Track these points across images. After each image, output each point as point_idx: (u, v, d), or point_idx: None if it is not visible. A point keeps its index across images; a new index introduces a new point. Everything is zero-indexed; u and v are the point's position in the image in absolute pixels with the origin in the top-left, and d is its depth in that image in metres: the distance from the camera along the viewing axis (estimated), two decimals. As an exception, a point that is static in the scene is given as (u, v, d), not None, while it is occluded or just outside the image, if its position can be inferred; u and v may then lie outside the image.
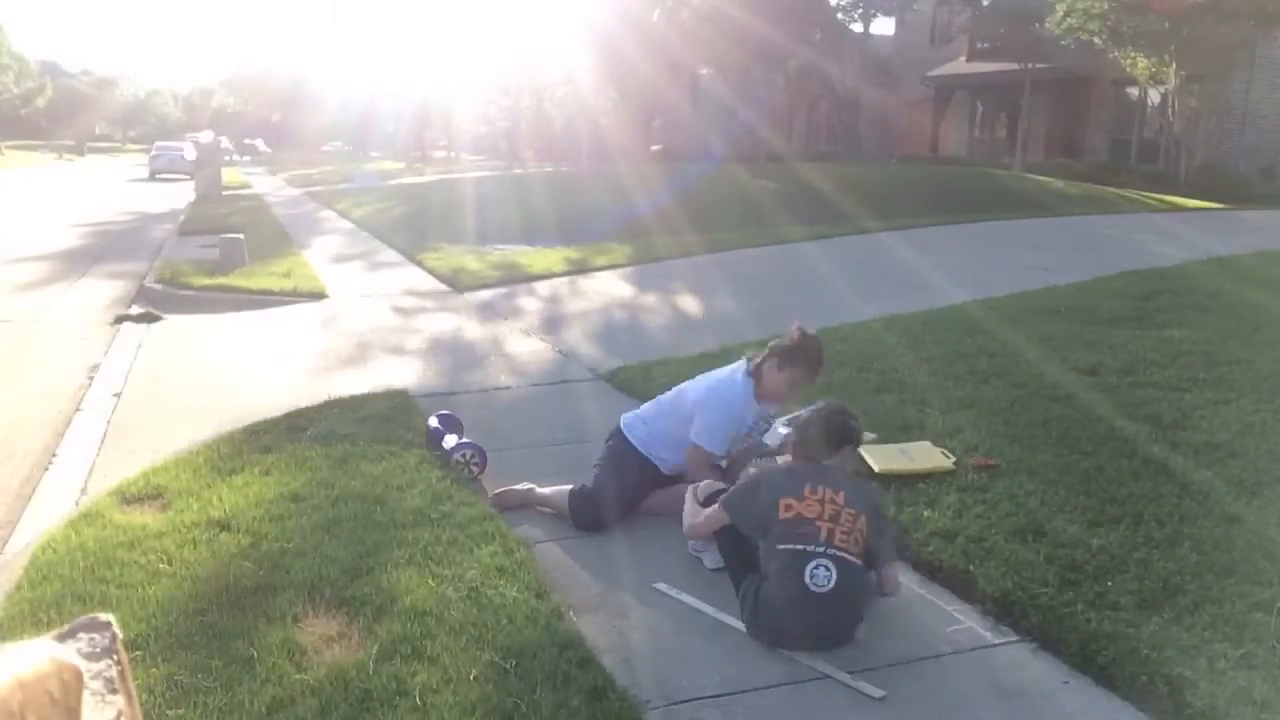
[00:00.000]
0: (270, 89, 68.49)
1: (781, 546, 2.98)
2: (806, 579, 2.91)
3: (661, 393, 4.37)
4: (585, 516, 3.75)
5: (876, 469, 4.07)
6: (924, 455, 4.16)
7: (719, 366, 6.02)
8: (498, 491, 4.04)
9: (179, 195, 25.15)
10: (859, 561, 2.99)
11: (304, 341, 7.63)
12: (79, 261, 12.47)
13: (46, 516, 3.94)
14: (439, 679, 2.63)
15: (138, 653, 2.73)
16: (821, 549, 2.95)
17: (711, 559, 3.38)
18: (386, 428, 4.90)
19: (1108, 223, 14.20)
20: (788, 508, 3.03)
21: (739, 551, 3.15)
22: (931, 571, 3.37)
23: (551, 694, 2.58)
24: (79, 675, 1.00)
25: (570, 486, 3.90)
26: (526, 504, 3.98)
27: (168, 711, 2.49)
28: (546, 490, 3.97)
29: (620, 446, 4.01)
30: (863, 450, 4.21)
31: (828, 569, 2.93)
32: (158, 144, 43.27)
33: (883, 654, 2.89)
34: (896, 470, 4.05)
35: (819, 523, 2.98)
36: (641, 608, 3.18)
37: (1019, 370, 5.53)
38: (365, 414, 5.14)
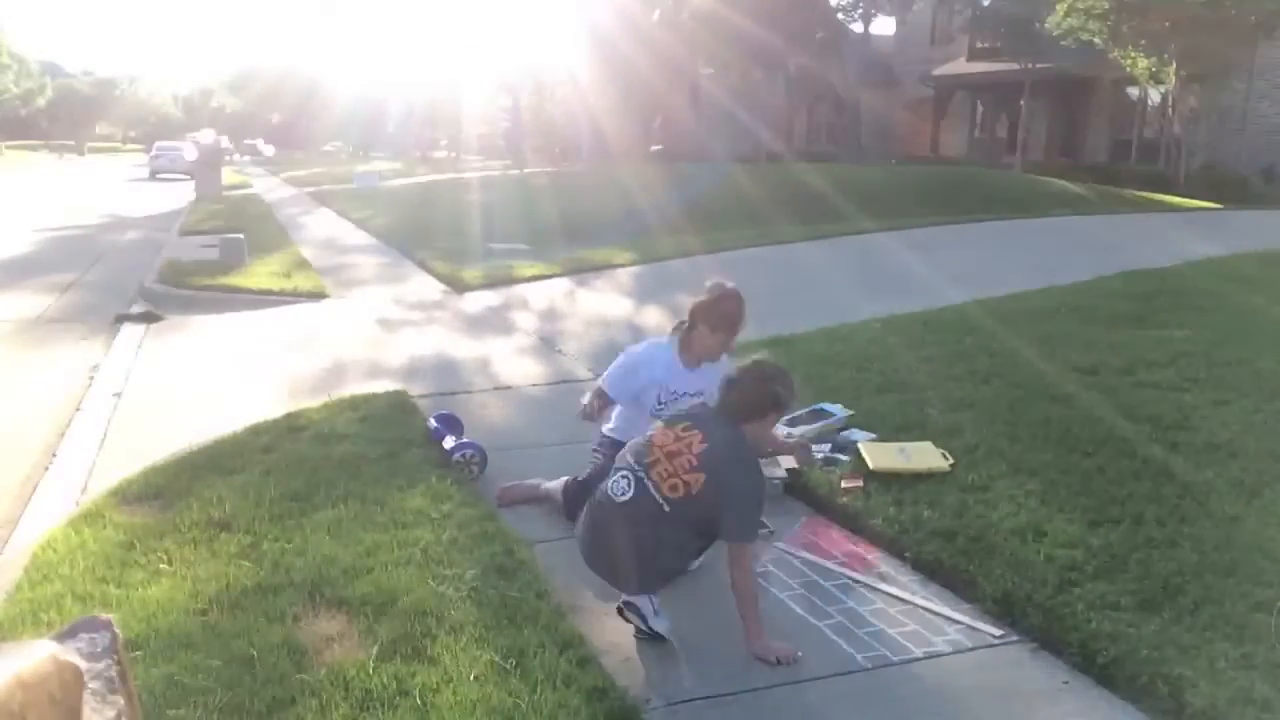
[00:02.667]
0: (270, 89, 68.49)
1: (615, 465, 3.10)
2: (608, 485, 3.00)
3: None
4: (574, 508, 3.72)
5: (871, 466, 4.09)
6: (921, 456, 4.17)
7: (719, 366, 6.04)
8: (505, 486, 4.06)
9: (172, 197, 25.13)
10: (666, 507, 2.88)
11: (304, 341, 7.63)
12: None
13: (46, 516, 3.94)
14: (439, 679, 2.63)
15: (138, 653, 2.73)
16: (638, 469, 2.95)
17: (661, 624, 2.97)
18: (386, 428, 4.90)
19: (1108, 223, 14.21)
20: (654, 430, 3.08)
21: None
22: (931, 571, 3.37)
23: (551, 694, 2.58)
24: (79, 675, 1.00)
25: (568, 478, 3.92)
26: (533, 498, 4.00)
27: (168, 711, 2.49)
28: (552, 484, 3.99)
29: (603, 437, 4.07)
30: (860, 447, 4.26)
31: (628, 484, 2.95)
32: (158, 144, 43.24)
33: (882, 654, 2.89)
34: (891, 469, 4.06)
35: (656, 450, 2.97)
36: (641, 608, 3.18)
37: (1019, 370, 5.53)
38: (365, 414, 5.14)
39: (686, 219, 15.42)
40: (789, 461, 4.13)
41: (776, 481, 4.21)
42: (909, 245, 11.74)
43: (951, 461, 4.10)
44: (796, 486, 4.18)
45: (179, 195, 25.10)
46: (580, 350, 7.02)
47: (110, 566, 3.31)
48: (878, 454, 4.18)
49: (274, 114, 77.36)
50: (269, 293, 9.52)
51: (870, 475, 4.07)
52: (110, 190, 29.85)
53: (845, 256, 11.17)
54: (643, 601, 2.95)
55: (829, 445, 4.48)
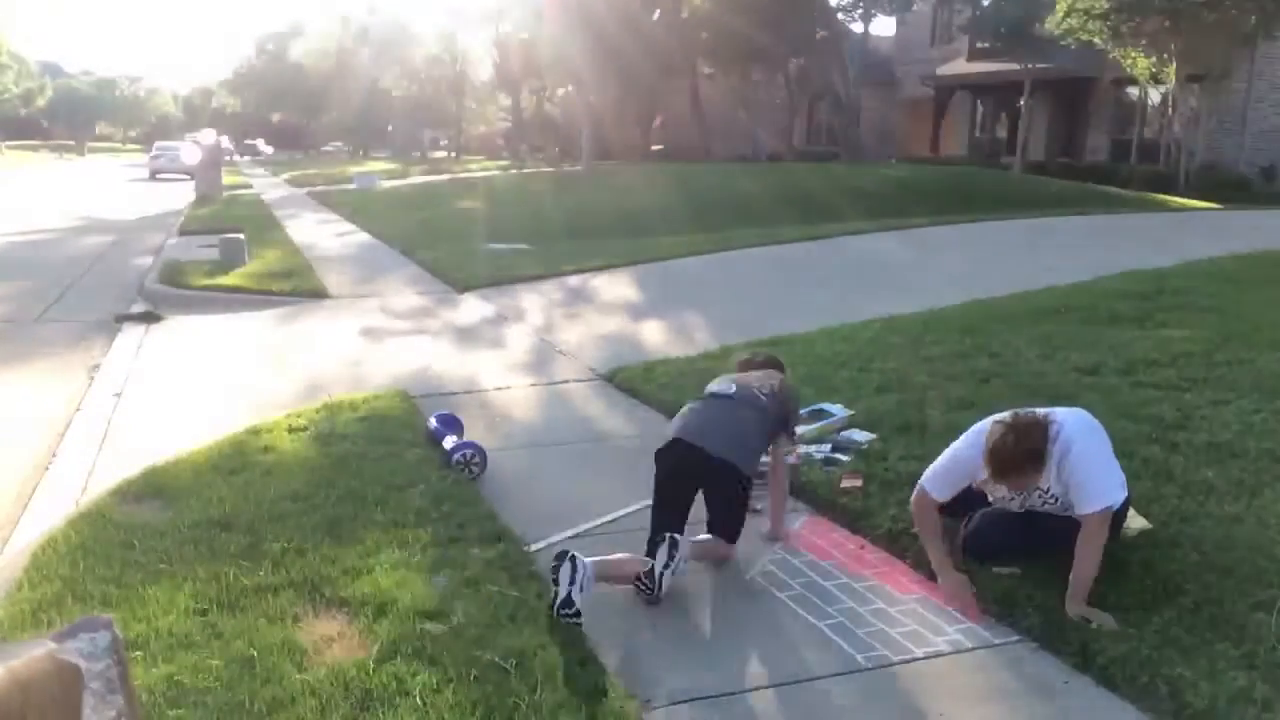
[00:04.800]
0: (270, 90, 68.46)
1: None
2: (711, 388, 3.72)
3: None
4: None
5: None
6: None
7: (720, 367, 6.04)
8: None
9: (170, 198, 25.13)
10: (762, 398, 3.61)
11: (304, 341, 7.63)
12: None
13: (46, 516, 3.94)
14: (439, 679, 2.63)
15: (138, 653, 2.73)
16: (733, 381, 3.72)
17: (668, 579, 3.17)
18: (386, 428, 4.90)
19: (1108, 223, 14.21)
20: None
21: None
22: (932, 571, 3.36)
23: (551, 694, 2.58)
24: (79, 675, 1.01)
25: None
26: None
27: (168, 711, 2.49)
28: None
29: None
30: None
31: (730, 384, 3.68)
32: (158, 144, 43.24)
33: (883, 654, 2.90)
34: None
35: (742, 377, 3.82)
36: (642, 608, 3.18)
37: (1019, 370, 5.53)
38: (365, 414, 5.14)
39: (686, 219, 15.42)
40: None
41: (764, 470, 4.24)
42: (909, 245, 11.75)
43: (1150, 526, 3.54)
44: (796, 486, 4.17)
45: (178, 196, 25.10)
46: (580, 350, 7.02)
47: (110, 566, 3.31)
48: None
49: (274, 114, 77.35)
50: (269, 293, 9.52)
51: (870, 476, 4.07)
52: (109, 191, 29.84)
53: (844, 256, 11.17)
54: (683, 544, 3.23)
55: (829, 445, 4.49)
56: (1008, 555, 3.25)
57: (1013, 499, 3.32)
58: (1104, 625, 2.88)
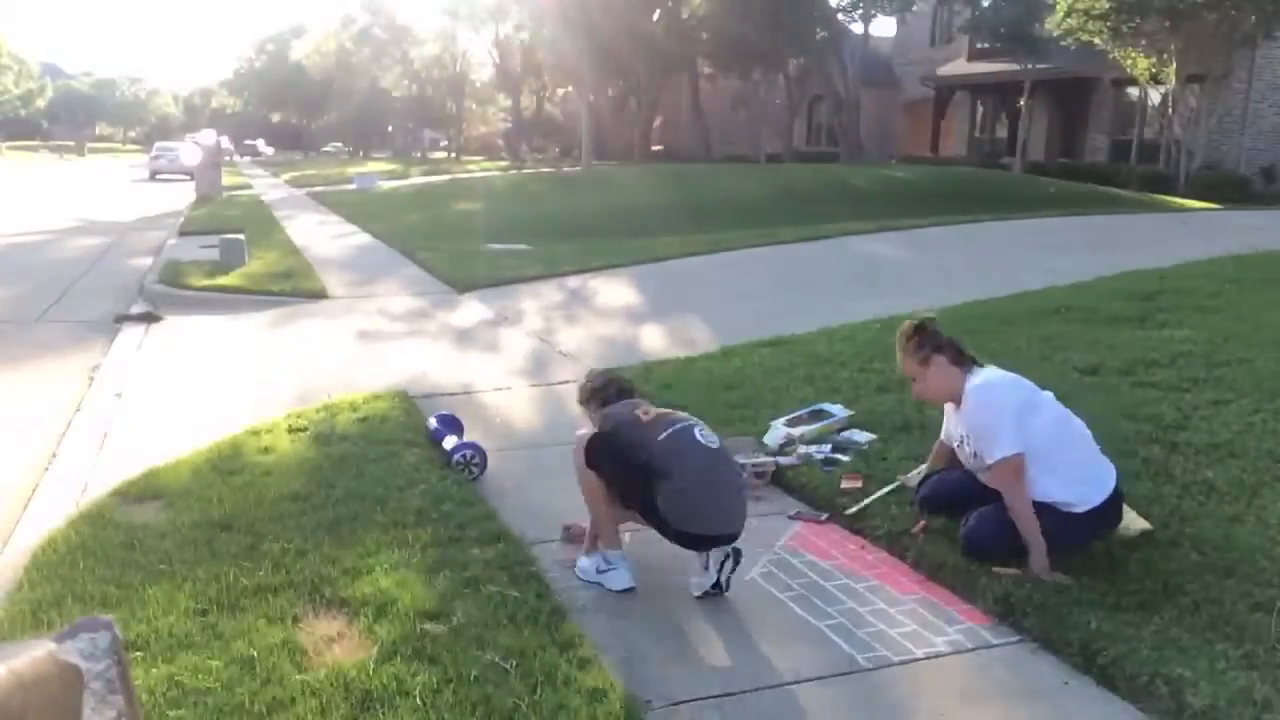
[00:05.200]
0: (270, 90, 68.47)
1: (664, 435, 3.24)
2: (699, 439, 3.26)
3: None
4: None
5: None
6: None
7: (719, 367, 6.05)
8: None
9: (165, 199, 25.13)
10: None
11: (304, 341, 7.64)
12: None
13: (47, 517, 3.94)
14: (439, 679, 2.64)
15: (138, 653, 2.73)
16: (693, 421, 3.35)
17: (619, 578, 3.27)
18: (386, 428, 4.90)
19: (1108, 223, 14.21)
20: (645, 412, 3.38)
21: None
22: (931, 571, 3.37)
23: (551, 694, 2.58)
24: (79, 675, 1.01)
25: None
26: None
27: (168, 712, 2.49)
28: None
29: None
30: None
31: (705, 431, 3.31)
32: (158, 145, 43.27)
33: (883, 654, 2.90)
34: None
35: (679, 412, 3.46)
36: (642, 608, 3.19)
37: (1019, 370, 5.50)
38: (365, 414, 5.14)
39: (686, 219, 15.43)
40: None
41: (764, 470, 4.25)
42: (908, 245, 11.75)
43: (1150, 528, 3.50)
44: (796, 486, 4.18)
45: (178, 197, 25.10)
46: (580, 350, 7.02)
47: (110, 566, 3.31)
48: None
49: (274, 114, 77.37)
50: (269, 293, 9.52)
51: (870, 476, 4.07)
52: (110, 192, 29.83)
53: (844, 257, 11.17)
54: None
55: (829, 445, 4.49)
56: (1005, 554, 3.25)
57: (958, 445, 3.54)
58: (1060, 583, 3.08)
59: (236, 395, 5.90)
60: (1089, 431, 3.45)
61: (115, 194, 28.04)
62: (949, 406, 3.63)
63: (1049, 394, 3.52)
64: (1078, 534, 3.30)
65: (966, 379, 3.45)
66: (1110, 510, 3.34)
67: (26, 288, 10.36)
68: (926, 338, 3.53)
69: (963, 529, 3.38)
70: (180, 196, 24.55)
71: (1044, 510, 3.25)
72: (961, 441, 3.52)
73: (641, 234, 13.71)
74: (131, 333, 7.97)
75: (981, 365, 3.54)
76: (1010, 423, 3.28)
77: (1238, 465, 3.99)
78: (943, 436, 3.75)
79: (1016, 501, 3.22)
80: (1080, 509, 3.28)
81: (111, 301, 9.43)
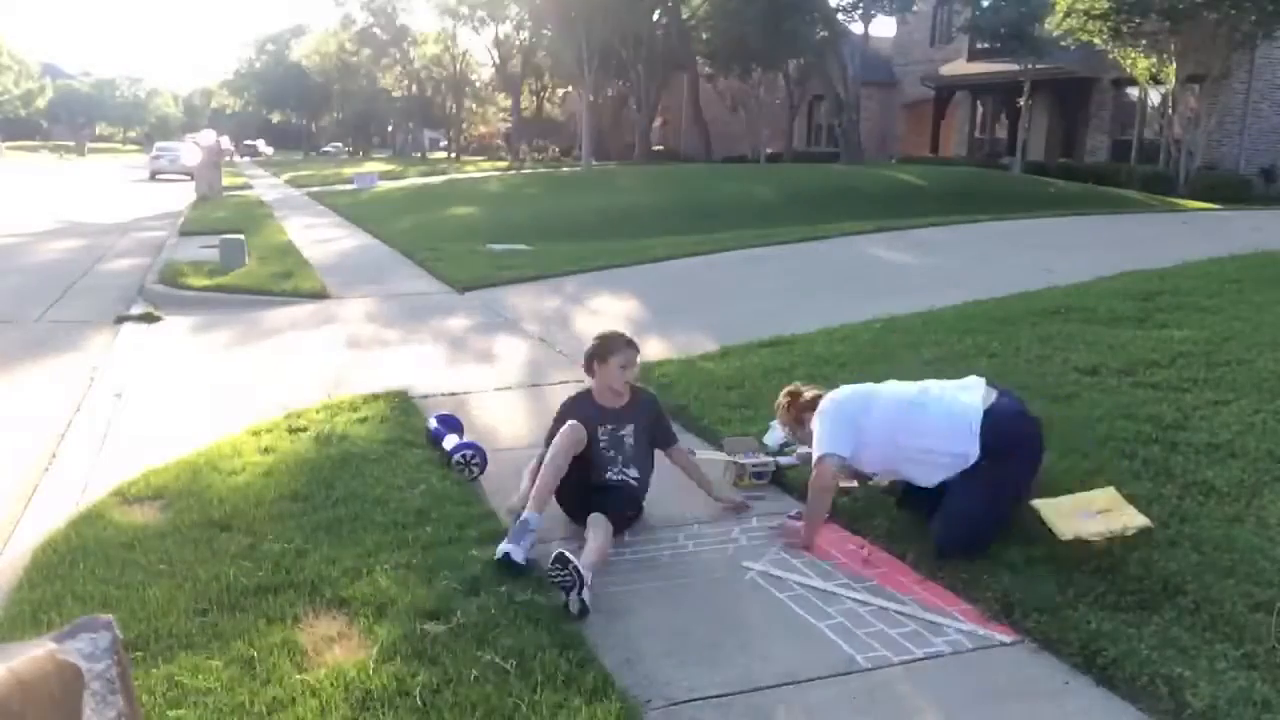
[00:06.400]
0: (270, 90, 68.50)
1: None
2: None
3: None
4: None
5: (1061, 537, 3.27)
6: (1113, 512, 3.38)
7: (719, 367, 6.05)
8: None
9: (165, 199, 25.12)
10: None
11: (304, 341, 7.63)
12: None
13: (46, 516, 3.94)
14: (439, 679, 2.63)
15: (138, 653, 2.73)
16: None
17: (519, 553, 3.31)
18: (386, 428, 4.90)
19: (1108, 223, 14.20)
20: None
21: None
22: (932, 571, 3.37)
23: (551, 694, 2.58)
24: (79, 675, 1.01)
25: None
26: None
27: (168, 712, 2.49)
28: None
29: None
30: (1040, 510, 3.42)
31: None
32: (158, 145, 43.30)
33: (883, 654, 2.90)
34: (1085, 537, 3.26)
35: None
36: (642, 608, 3.19)
37: (1019, 370, 5.53)
38: (365, 414, 5.14)
39: (686, 219, 15.43)
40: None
41: (764, 470, 4.27)
42: (908, 245, 11.74)
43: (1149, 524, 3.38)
44: (796, 486, 4.18)
45: (178, 197, 25.09)
46: (580, 350, 7.01)
47: (110, 566, 3.31)
48: (1061, 519, 3.32)
49: (274, 114, 77.41)
50: (269, 293, 9.52)
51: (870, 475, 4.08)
52: (110, 192, 29.82)
53: (844, 257, 11.17)
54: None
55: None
56: (977, 549, 3.34)
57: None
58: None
59: (236, 395, 5.90)
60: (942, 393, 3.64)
61: (115, 194, 28.02)
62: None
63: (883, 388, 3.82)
64: (995, 489, 3.42)
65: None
66: (1002, 443, 3.46)
67: (27, 288, 10.36)
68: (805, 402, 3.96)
69: (934, 535, 3.48)
70: (180, 197, 24.54)
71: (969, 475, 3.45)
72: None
73: (641, 234, 13.71)
74: (131, 333, 7.97)
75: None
76: (837, 424, 3.67)
77: (1238, 465, 3.98)
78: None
79: (815, 488, 3.63)
80: (962, 466, 3.47)
81: (111, 302, 9.43)
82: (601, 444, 3.81)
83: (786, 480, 4.26)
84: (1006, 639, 2.97)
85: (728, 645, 2.95)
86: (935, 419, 3.55)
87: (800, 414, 3.93)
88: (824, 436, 3.62)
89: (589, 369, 3.95)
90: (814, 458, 3.64)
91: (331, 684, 2.60)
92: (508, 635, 2.87)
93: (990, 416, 3.49)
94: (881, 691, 2.72)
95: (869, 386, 3.81)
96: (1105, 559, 3.26)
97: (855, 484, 4.01)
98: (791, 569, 3.46)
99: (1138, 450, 4.16)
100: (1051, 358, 5.75)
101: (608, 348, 3.89)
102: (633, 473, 3.85)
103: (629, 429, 3.86)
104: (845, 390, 3.81)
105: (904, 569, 3.46)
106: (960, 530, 3.39)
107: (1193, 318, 6.58)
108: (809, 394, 3.97)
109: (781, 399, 4.07)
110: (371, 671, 2.66)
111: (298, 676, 2.64)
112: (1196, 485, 3.81)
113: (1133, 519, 3.43)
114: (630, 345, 3.94)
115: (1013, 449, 3.48)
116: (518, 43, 46.71)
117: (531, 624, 2.94)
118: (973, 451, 3.45)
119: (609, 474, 3.81)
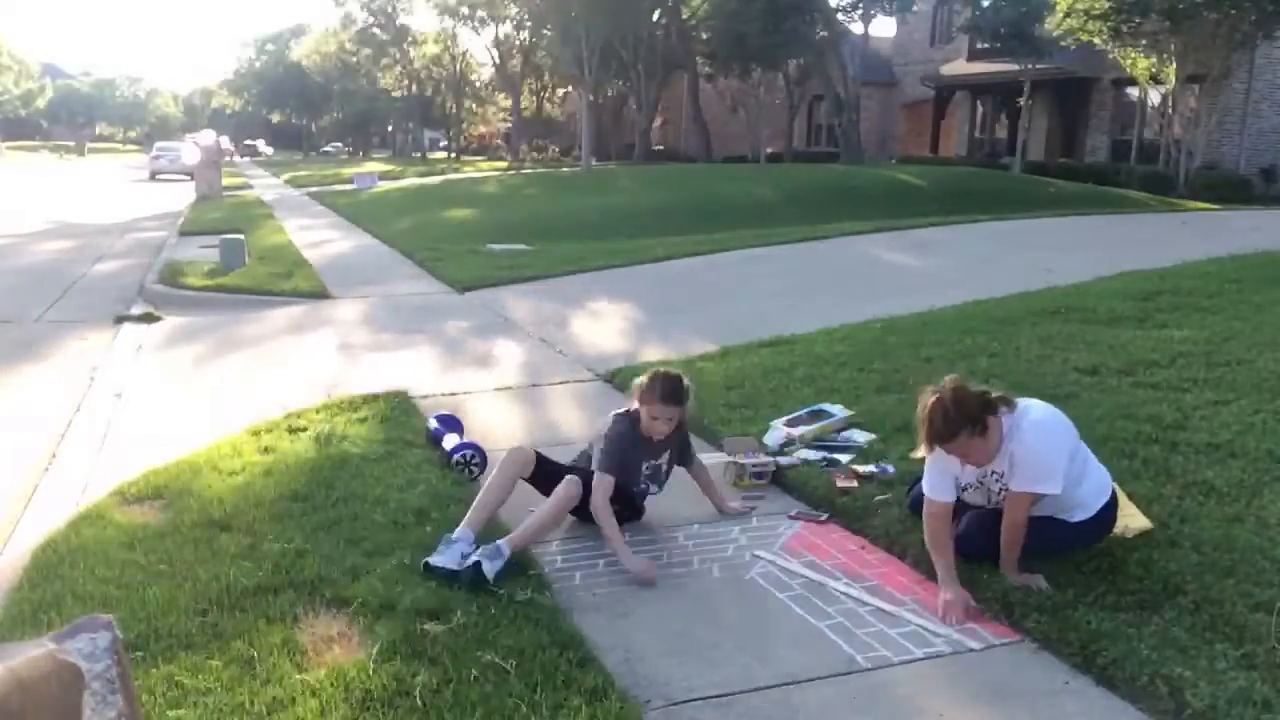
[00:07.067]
0: (270, 90, 68.47)
1: None
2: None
3: None
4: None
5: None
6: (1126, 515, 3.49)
7: (719, 367, 6.05)
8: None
9: (165, 199, 25.12)
10: None
11: (304, 341, 7.63)
12: None
13: (46, 516, 3.94)
14: (439, 679, 2.63)
15: (138, 653, 2.73)
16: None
17: (490, 567, 3.23)
18: (386, 428, 4.90)
19: (1108, 223, 14.21)
20: None
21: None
22: (931, 572, 3.36)
23: (551, 694, 2.58)
24: (79, 675, 1.01)
25: None
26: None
27: (168, 712, 2.49)
28: None
29: None
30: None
31: None
32: (158, 145, 43.27)
33: (883, 654, 2.90)
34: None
35: None
36: (642, 607, 3.19)
37: (1019, 370, 5.53)
38: (365, 414, 5.14)
39: (685, 219, 15.42)
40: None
41: (764, 470, 4.25)
42: (908, 245, 11.74)
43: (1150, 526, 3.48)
44: (796, 486, 4.18)
45: (178, 197, 25.08)
46: (580, 350, 7.03)
47: (110, 566, 3.31)
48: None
49: (274, 114, 77.39)
50: (269, 293, 9.52)
51: (870, 476, 4.07)
52: (110, 192, 29.82)
53: (844, 257, 11.17)
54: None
55: (829, 445, 4.49)
56: (997, 553, 3.26)
57: (976, 487, 3.33)
58: (1039, 587, 3.09)
59: (236, 395, 5.90)
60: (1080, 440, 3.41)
61: (115, 194, 28.01)
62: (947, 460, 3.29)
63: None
64: (1077, 539, 3.31)
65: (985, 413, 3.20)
66: (1110, 512, 3.35)
67: (27, 287, 10.36)
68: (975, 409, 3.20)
69: (955, 531, 3.36)
70: (180, 197, 24.54)
71: (1046, 520, 3.25)
72: (978, 487, 3.34)
73: (641, 234, 13.70)
74: (131, 333, 7.97)
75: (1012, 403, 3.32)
76: (1054, 459, 3.21)
77: (1238, 465, 3.99)
78: (944, 495, 3.31)
79: (1013, 522, 3.18)
80: (1079, 517, 3.30)
81: (111, 301, 9.43)
82: (643, 480, 3.83)
83: (786, 480, 4.26)
84: (1006, 639, 2.97)
85: (727, 645, 2.95)
86: (1097, 471, 3.40)
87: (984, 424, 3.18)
88: (1046, 470, 3.16)
89: (638, 398, 3.76)
90: (1023, 487, 3.17)
91: (331, 684, 2.60)
92: (508, 635, 2.87)
93: (1114, 496, 3.39)
94: (881, 691, 2.72)
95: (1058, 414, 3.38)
96: (1105, 559, 3.26)
97: (855, 484, 4.00)
98: (791, 569, 3.46)
99: (1138, 450, 4.16)
100: (1051, 358, 5.75)
101: (653, 395, 3.68)
102: (656, 489, 3.92)
103: (664, 457, 3.87)
104: (1050, 411, 3.34)
105: (904, 569, 3.46)
106: (995, 538, 3.25)
107: (1193, 318, 6.58)
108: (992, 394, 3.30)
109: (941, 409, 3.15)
110: (371, 671, 2.66)
111: (297, 676, 2.64)
112: (1196, 485, 3.81)
113: (1134, 520, 3.44)
114: (673, 402, 3.70)
115: (1104, 532, 3.37)
116: (518, 43, 46.68)
117: (531, 624, 2.94)
118: (1096, 507, 3.32)
119: (639, 498, 3.89)
